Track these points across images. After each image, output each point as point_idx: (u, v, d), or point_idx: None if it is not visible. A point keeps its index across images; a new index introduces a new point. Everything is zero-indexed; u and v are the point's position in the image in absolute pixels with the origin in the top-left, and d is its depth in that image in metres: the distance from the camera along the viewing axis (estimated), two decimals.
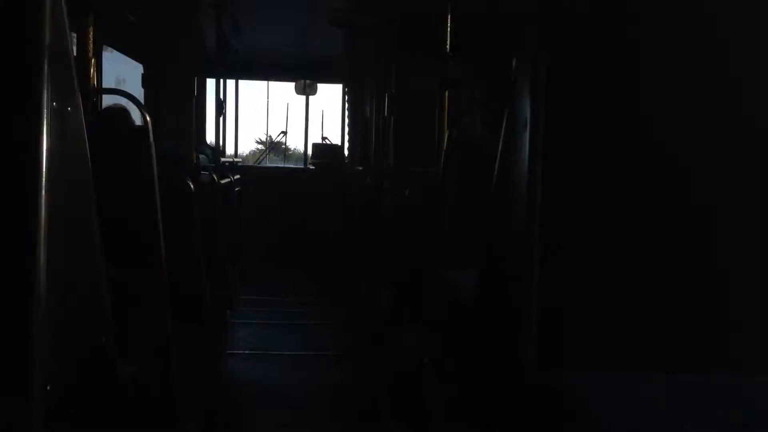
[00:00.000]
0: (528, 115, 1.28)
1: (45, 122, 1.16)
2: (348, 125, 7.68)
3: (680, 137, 1.27)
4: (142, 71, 6.76)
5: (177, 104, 6.84)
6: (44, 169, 1.15)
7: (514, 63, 1.39)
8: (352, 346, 4.33)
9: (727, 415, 1.02)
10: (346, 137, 7.73)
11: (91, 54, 2.16)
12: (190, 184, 3.09)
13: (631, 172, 1.26)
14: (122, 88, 2.65)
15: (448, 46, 3.23)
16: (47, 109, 1.17)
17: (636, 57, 1.28)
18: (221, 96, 6.33)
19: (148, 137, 2.26)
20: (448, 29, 3.24)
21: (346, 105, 7.81)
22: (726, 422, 1.01)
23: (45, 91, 1.17)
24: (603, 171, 1.26)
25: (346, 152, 7.66)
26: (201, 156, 4.94)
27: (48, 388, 1.14)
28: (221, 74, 6.56)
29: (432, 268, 2.37)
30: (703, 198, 1.28)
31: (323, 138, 8.62)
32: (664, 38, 1.29)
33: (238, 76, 7.55)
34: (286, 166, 10.88)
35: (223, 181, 4.19)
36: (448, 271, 2.00)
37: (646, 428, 0.99)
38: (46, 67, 1.17)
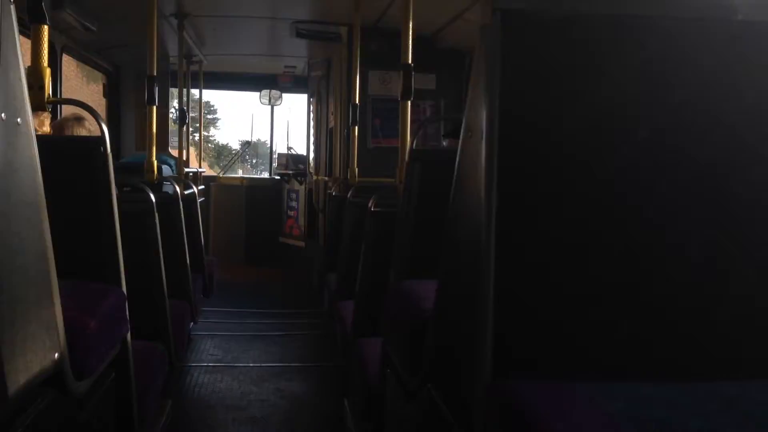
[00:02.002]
0: (483, 124, 1.29)
1: None
2: (312, 135, 7.67)
3: (636, 142, 1.29)
4: (103, 81, 6.69)
5: (138, 114, 6.79)
6: None
7: (471, 71, 1.41)
8: (317, 358, 4.31)
9: (684, 426, 1.03)
10: (311, 147, 7.72)
11: (46, 63, 2.12)
12: (151, 194, 3.05)
13: (589, 180, 1.27)
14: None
15: (410, 57, 3.24)
16: None
17: (591, 64, 1.30)
18: (184, 106, 6.28)
19: (105, 146, 2.22)
20: (410, 40, 3.26)
21: (311, 115, 7.80)
22: None
23: None
24: (558, 180, 1.27)
25: (311, 162, 7.65)
26: (164, 167, 4.89)
27: None
28: (184, 84, 6.50)
29: (394, 278, 2.37)
30: (658, 206, 1.30)
31: (288, 148, 8.60)
32: (620, 44, 1.31)
33: (201, 86, 7.50)
34: (251, 176, 10.84)
35: (186, 192, 4.15)
36: (410, 282, 2.00)
37: None
38: None
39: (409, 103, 3.29)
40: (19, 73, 1.28)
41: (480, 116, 1.32)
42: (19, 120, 1.28)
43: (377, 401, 2.23)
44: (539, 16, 1.31)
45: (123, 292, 2.07)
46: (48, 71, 2.13)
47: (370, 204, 3.10)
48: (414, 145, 2.39)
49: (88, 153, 2.18)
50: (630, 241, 1.27)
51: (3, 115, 1.19)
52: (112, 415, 1.98)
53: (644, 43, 1.31)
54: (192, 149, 7.65)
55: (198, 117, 7.91)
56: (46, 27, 2.15)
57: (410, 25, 3.26)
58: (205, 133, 35.74)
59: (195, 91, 7.66)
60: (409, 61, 3.24)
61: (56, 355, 1.44)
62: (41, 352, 1.36)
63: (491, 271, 1.23)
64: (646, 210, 1.28)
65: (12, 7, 1.24)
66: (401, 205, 2.39)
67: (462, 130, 1.47)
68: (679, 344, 1.29)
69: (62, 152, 1.66)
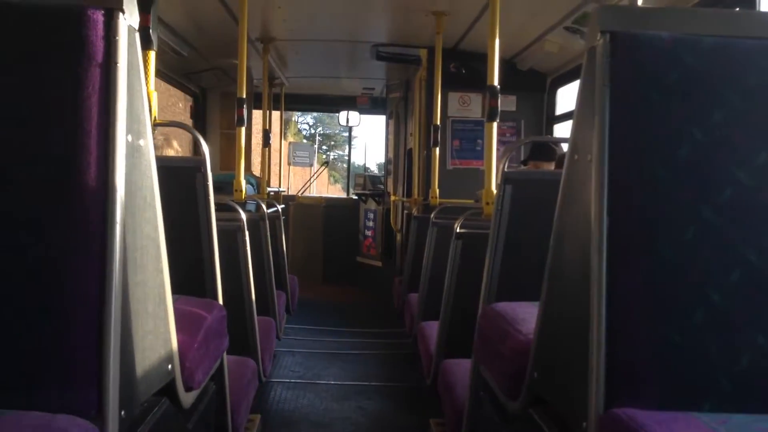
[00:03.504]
0: (592, 147, 1.28)
1: (120, 156, 1.20)
2: (391, 156, 7.74)
3: (755, 167, 1.25)
4: (191, 103, 6.96)
5: (224, 135, 7.03)
6: (118, 203, 1.19)
7: (578, 93, 1.40)
8: (397, 377, 4.31)
9: None
10: (389, 168, 7.79)
11: (153, 88, 2.23)
12: (242, 213, 3.15)
13: (705, 205, 1.24)
14: None
15: (495, 79, 3.25)
16: (123, 144, 1.22)
17: (705, 88, 1.27)
18: (267, 127, 6.45)
19: (206, 168, 2.32)
20: (496, 62, 3.27)
21: (389, 136, 7.89)
22: None
23: (120, 126, 1.21)
24: (673, 204, 1.24)
25: (389, 183, 7.72)
26: (247, 186, 5.04)
27: (122, 413, 1.17)
28: (267, 106, 6.69)
29: (484, 301, 2.36)
30: None
31: (365, 169, 8.69)
32: (735, 67, 1.28)
33: (283, 107, 7.69)
34: (330, 196, 11.05)
35: (269, 211, 4.24)
36: (504, 304, 1.99)
37: None
38: (121, 102, 1.22)
39: (495, 124, 3.29)
40: (143, 99, 1.35)
41: (588, 139, 1.31)
42: (141, 142, 1.35)
43: (468, 424, 2.22)
44: (648, 37, 1.29)
45: (223, 307, 2.14)
46: (154, 95, 2.24)
47: (456, 225, 3.11)
48: (506, 166, 2.39)
49: (190, 174, 2.28)
50: (751, 268, 1.23)
51: (129, 137, 1.25)
52: (212, 428, 2.04)
53: (761, 66, 1.28)
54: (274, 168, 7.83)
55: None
56: (153, 53, 2.26)
57: (496, 48, 3.27)
58: (339, 152, 35.60)
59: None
60: (495, 83, 3.25)
61: (169, 366, 1.50)
62: (158, 363, 1.42)
63: (603, 297, 1.21)
64: (766, 236, 1.24)
65: (137, 35, 1.32)
66: (492, 227, 2.39)
67: (567, 153, 1.46)
68: None
69: (167, 173, 1.74)
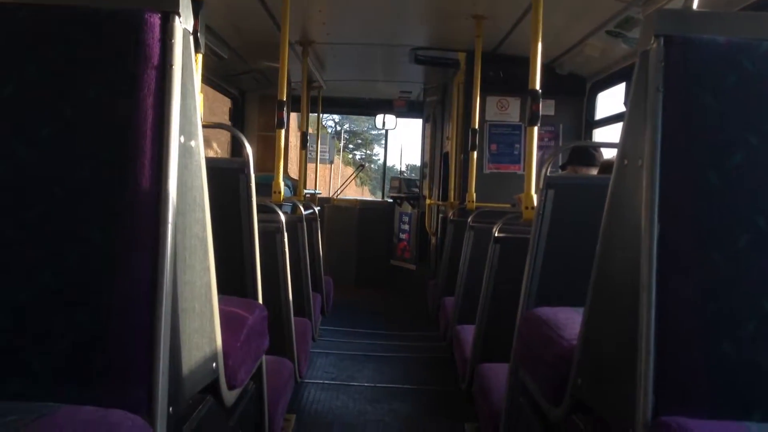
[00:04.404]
0: (643, 153, 1.27)
1: (173, 157, 1.22)
2: (427, 159, 7.74)
3: None
4: (230, 106, 7.04)
5: (261, 138, 7.10)
6: (170, 203, 1.20)
7: (629, 98, 1.38)
8: (431, 380, 4.30)
9: None
10: (425, 171, 7.79)
11: (199, 90, 2.26)
12: (281, 214, 3.17)
13: (762, 214, 1.22)
14: None
15: (537, 83, 3.23)
16: (176, 145, 1.23)
17: (763, 93, 1.25)
18: (306, 129, 6.50)
19: (249, 170, 2.35)
20: (538, 67, 3.25)
21: (426, 140, 7.88)
22: None
23: (174, 127, 1.23)
24: (728, 213, 1.22)
25: (425, 186, 7.71)
26: (283, 187, 5.08)
27: (170, 409, 1.19)
28: (306, 108, 6.74)
29: (523, 305, 2.35)
30: None
31: (401, 172, 8.71)
32: None
33: (320, 110, 7.74)
34: (365, 198, 11.02)
35: (305, 213, 4.27)
36: (545, 309, 1.97)
37: None
38: (175, 103, 1.24)
39: (536, 129, 3.27)
40: (195, 100, 1.37)
41: (638, 144, 1.30)
42: (192, 143, 1.37)
43: (506, 429, 2.21)
44: (704, 41, 1.27)
45: (264, 307, 2.16)
46: (201, 97, 2.27)
47: (494, 230, 3.09)
48: (548, 171, 2.37)
49: (233, 175, 2.31)
50: None
51: (181, 138, 1.27)
52: (252, 427, 2.06)
53: None
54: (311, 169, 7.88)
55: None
56: (200, 56, 2.30)
57: (538, 52, 3.25)
58: (368, 152, 34.01)
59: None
60: (537, 87, 3.23)
61: (214, 364, 1.52)
62: (203, 361, 1.44)
63: (652, 304, 1.19)
64: None
65: (191, 38, 1.34)
66: (533, 231, 2.37)
67: (616, 158, 1.44)
68: None
69: (211, 173, 1.76)
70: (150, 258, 1.18)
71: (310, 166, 7.71)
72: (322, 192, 9.46)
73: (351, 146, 34.22)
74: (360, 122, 31.24)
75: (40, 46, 1.25)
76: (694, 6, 1.54)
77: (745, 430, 1.10)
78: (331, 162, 8.70)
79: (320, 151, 7.87)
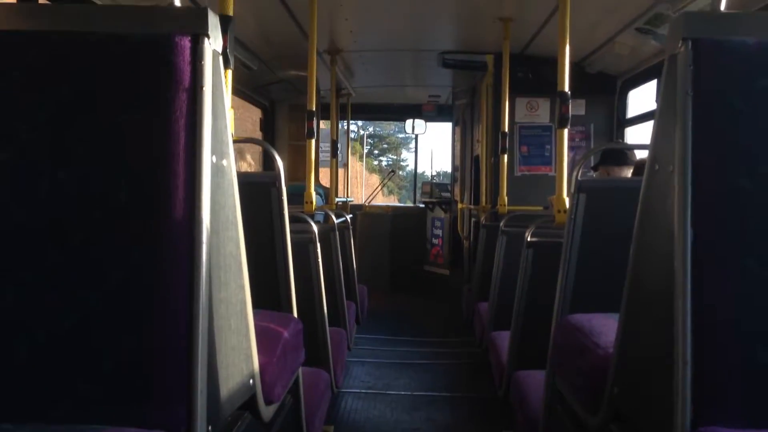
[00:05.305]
0: (674, 158, 1.25)
1: (206, 177, 1.24)
2: (458, 163, 7.71)
3: None
4: (260, 116, 7.11)
5: (292, 147, 7.15)
6: (204, 223, 1.22)
7: (658, 102, 1.36)
8: (468, 388, 4.28)
9: None
10: (456, 175, 7.76)
11: (230, 105, 2.29)
12: (313, 225, 3.19)
13: None
14: None
15: (566, 85, 3.20)
16: (208, 165, 1.25)
17: None
18: (336, 137, 6.53)
19: (281, 183, 2.37)
20: (566, 68, 3.22)
21: (456, 143, 7.86)
22: None
23: (206, 148, 1.25)
24: (762, 217, 1.20)
25: (456, 190, 7.68)
26: (315, 196, 5.11)
27: (209, 428, 1.21)
28: (336, 116, 6.77)
29: (558, 311, 2.33)
30: None
31: (432, 177, 8.69)
32: None
33: (349, 117, 7.77)
34: (397, 204, 10.99)
35: (338, 221, 4.29)
36: (580, 315, 1.96)
37: None
38: (207, 124, 1.26)
39: (566, 131, 3.24)
40: (225, 119, 1.39)
41: (669, 149, 1.28)
42: (224, 162, 1.39)
43: None
44: (733, 43, 1.25)
45: (299, 320, 2.18)
46: (232, 113, 2.30)
47: (527, 234, 3.07)
48: (579, 174, 2.35)
49: (265, 189, 2.33)
50: None
51: (214, 158, 1.29)
52: None
53: None
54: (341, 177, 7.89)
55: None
56: (230, 72, 2.32)
57: (566, 53, 3.23)
58: (395, 157, 32.64)
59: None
60: (566, 89, 3.20)
61: (251, 381, 1.53)
62: (240, 378, 1.45)
63: (688, 311, 1.18)
64: None
65: (220, 59, 1.36)
66: (566, 237, 2.35)
67: (647, 163, 1.43)
68: None
69: (243, 188, 1.79)
70: (186, 278, 1.20)
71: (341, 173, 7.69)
72: (354, 199, 9.47)
73: (376, 152, 33.11)
74: (386, 125, 30.02)
75: (74, 71, 1.28)
76: (722, 7, 1.51)
77: None
78: (344, 164, 8.00)
79: (325, 152, 7.51)
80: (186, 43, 1.25)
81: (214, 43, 1.29)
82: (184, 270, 1.19)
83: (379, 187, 10.12)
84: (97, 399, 1.17)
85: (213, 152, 1.29)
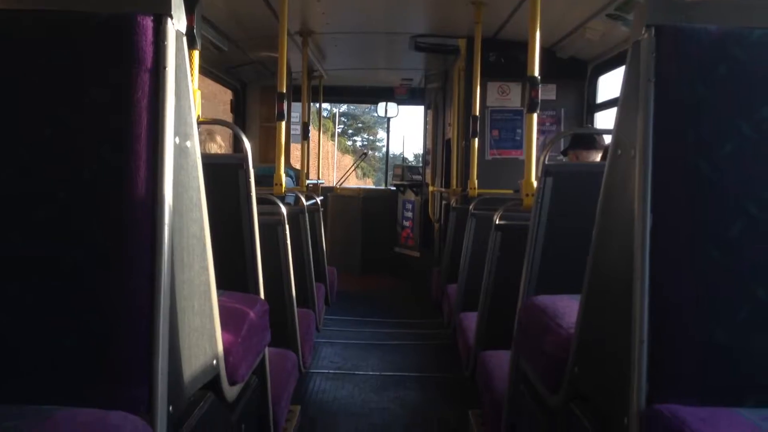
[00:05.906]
0: (635, 143, 1.27)
1: (168, 158, 1.23)
2: (429, 147, 7.72)
3: None
4: (231, 98, 7.03)
5: (263, 128, 7.09)
6: (167, 204, 1.21)
7: (621, 88, 1.38)
8: (435, 368, 4.33)
9: None
10: (428, 159, 7.77)
11: (196, 86, 2.27)
12: (282, 207, 3.18)
13: (754, 201, 1.22)
14: None
15: (536, 70, 3.22)
16: (171, 146, 1.24)
17: (755, 83, 1.25)
18: (307, 120, 6.48)
19: (248, 165, 2.35)
20: (536, 53, 3.23)
21: (428, 127, 7.86)
22: None
23: (168, 129, 1.24)
24: (720, 201, 1.22)
25: (427, 173, 7.70)
26: (286, 178, 5.09)
27: (170, 408, 1.21)
28: (307, 99, 6.72)
29: (524, 293, 2.36)
30: None
31: (403, 159, 8.70)
32: None
33: (321, 100, 7.73)
34: (368, 187, 10.99)
35: (308, 203, 4.28)
36: (544, 297, 1.98)
37: None
38: (170, 105, 1.25)
39: (535, 115, 3.27)
40: (189, 101, 1.38)
41: (631, 134, 1.30)
42: (188, 144, 1.37)
43: (508, 416, 2.23)
44: (695, 30, 1.27)
45: (265, 302, 2.18)
46: (198, 93, 2.28)
47: (495, 217, 3.10)
48: (546, 158, 2.37)
49: (233, 171, 2.31)
50: None
51: (177, 139, 1.28)
52: (255, 420, 2.08)
53: None
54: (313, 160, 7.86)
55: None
56: (196, 52, 2.30)
57: (537, 38, 3.24)
58: (371, 137, 31.65)
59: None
60: (536, 74, 3.22)
61: (214, 362, 1.53)
62: (203, 358, 1.45)
63: (646, 293, 1.20)
64: None
65: (184, 39, 1.34)
66: (532, 219, 2.38)
67: (610, 148, 1.45)
68: None
69: (209, 170, 1.78)
70: (148, 259, 1.20)
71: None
72: (326, 182, 9.44)
73: (351, 131, 32.34)
74: (360, 104, 29.56)
75: (36, 50, 1.25)
76: None
77: (738, 417, 1.11)
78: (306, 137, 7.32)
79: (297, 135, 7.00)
80: (148, 23, 1.23)
81: (177, 24, 1.27)
82: (147, 250, 1.19)
83: (351, 169, 10.11)
84: (56, 379, 1.16)
85: (176, 133, 1.27)
